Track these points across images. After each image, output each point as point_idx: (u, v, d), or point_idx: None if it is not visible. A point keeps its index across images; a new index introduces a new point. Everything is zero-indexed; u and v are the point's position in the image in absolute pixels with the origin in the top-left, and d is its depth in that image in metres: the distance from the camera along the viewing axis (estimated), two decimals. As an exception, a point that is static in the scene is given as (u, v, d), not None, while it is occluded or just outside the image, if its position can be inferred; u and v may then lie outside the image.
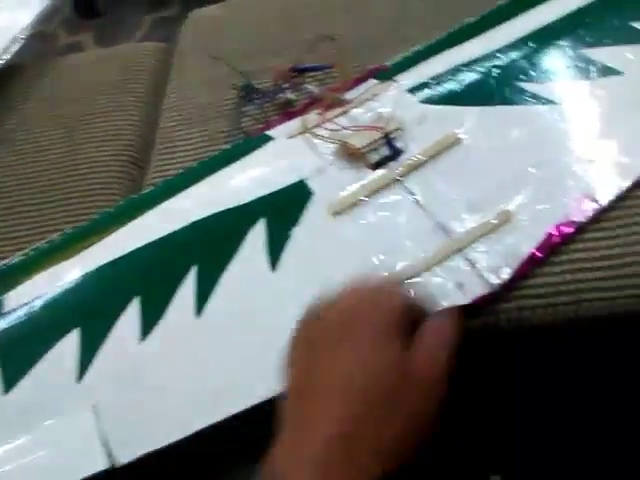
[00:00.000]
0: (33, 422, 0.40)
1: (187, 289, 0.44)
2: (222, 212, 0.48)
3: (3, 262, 0.49)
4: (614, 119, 0.51)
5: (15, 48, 0.76)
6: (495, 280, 0.42)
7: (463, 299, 0.42)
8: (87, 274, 0.46)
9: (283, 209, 0.48)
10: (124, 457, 0.38)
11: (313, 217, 0.48)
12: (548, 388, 0.46)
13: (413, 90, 0.55)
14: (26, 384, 0.42)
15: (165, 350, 0.42)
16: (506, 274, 0.43)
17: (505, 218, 0.45)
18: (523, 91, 0.53)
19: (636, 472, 0.47)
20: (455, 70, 0.55)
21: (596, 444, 0.48)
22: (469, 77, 0.55)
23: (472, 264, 0.43)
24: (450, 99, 0.53)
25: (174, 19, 0.80)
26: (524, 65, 0.55)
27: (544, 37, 0.57)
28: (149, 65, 0.75)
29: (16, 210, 0.59)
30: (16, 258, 0.49)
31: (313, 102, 0.57)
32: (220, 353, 0.42)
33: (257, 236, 0.47)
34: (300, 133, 0.54)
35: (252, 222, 0.47)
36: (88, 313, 0.44)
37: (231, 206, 0.49)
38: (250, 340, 0.43)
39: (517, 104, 0.52)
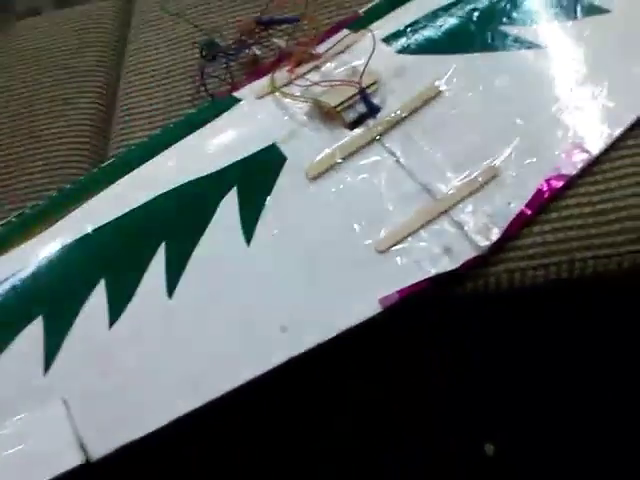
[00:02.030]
0: (0, 418, 0.38)
1: (156, 268, 0.41)
2: (190, 182, 0.45)
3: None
4: (602, 61, 0.48)
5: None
6: (484, 242, 0.40)
7: (451, 264, 0.40)
8: (49, 256, 0.43)
9: (255, 176, 0.45)
10: (99, 451, 0.36)
11: (288, 184, 0.44)
12: (542, 353, 0.44)
13: (389, 39, 0.51)
14: (-10, 379, 0.39)
15: (136, 335, 0.40)
16: (495, 235, 0.40)
17: (492, 174, 0.43)
18: (506, 35, 0.50)
19: (632, 441, 0.47)
20: (432, 16, 0.52)
21: (590, 410, 0.47)
22: (448, 23, 0.51)
23: (460, 226, 0.41)
24: (428, 48, 0.50)
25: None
26: (506, 7, 0.51)
27: (526, -24, 0.53)
28: (108, 26, 0.70)
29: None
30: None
31: (282, 58, 0.53)
32: (195, 335, 0.40)
33: (229, 208, 0.43)
34: (269, 93, 0.50)
35: (223, 192, 0.44)
36: (52, 298, 0.41)
37: (200, 175, 0.45)
38: (227, 320, 0.40)
39: (500, 50, 0.49)
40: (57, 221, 0.45)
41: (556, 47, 0.49)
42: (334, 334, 0.38)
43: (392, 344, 0.45)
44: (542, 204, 0.41)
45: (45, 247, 0.43)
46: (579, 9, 0.51)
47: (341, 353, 0.43)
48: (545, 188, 0.42)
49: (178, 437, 0.39)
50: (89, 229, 0.44)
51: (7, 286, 0.42)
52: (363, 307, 0.39)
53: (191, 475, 0.50)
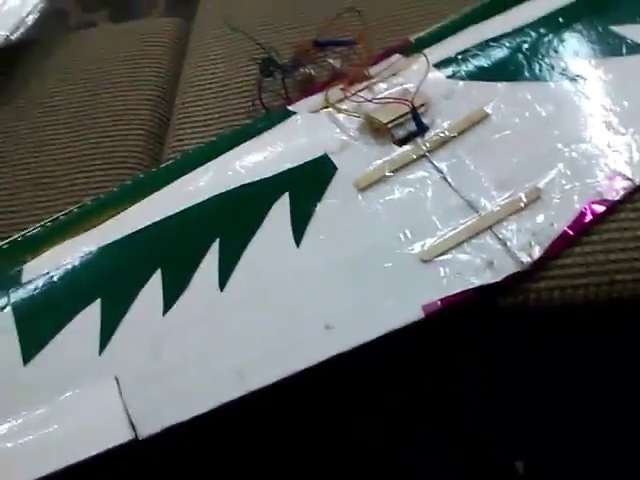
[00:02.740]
0: (53, 393, 0.40)
1: (210, 262, 0.43)
2: (245, 185, 0.47)
3: (22, 233, 0.48)
4: (645, 98, 0.49)
5: (29, 23, 0.75)
6: (526, 258, 0.41)
7: (493, 277, 0.41)
8: (108, 245, 0.45)
9: (307, 184, 0.47)
10: (147, 429, 0.37)
11: (337, 193, 0.47)
12: (576, 371, 0.45)
13: (439, 65, 0.53)
14: (46, 356, 0.41)
15: (187, 323, 0.42)
16: (537, 252, 0.42)
17: (535, 196, 0.44)
18: (552, 67, 0.52)
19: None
20: (482, 45, 0.54)
21: (624, 430, 0.47)
22: (497, 52, 0.54)
23: (502, 242, 0.42)
24: (477, 75, 0.52)
25: (191, -2, 0.79)
26: (553, 41, 0.54)
27: (573, 13, 0.55)
28: (166, 40, 0.74)
29: (34, 182, 0.59)
30: (35, 229, 0.48)
31: (335, 77, 0.56)
32: (243, 328, 0.41)
33: (281, 211, 0.46)
34: (323, 108, 0.53)
35: (276, 196, 0.46)
36: (109, 284, 0.44)
37: (254, 179, 0.48)
38: (273, 316, 0.42)
39: (546, 80, 0.51)
40: (118, 213, 0.47)
41: (600, 81, 0.51)
42: (377, 335, 0.40)
43: (427, 355, 0.47)
44: (584, 227, 0.43)
45: (106, 236, 0.46)
46: (624, 47, 0.53)
47: (377, 360, 0.44)
48: (588, 212, 0.43)
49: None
50: (147, 223, 0.46)
51: (69, 268, 0.44)
52: (406, 312, 0.40)
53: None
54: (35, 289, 0.44)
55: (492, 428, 0.48)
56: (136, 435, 0.37)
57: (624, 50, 0.52)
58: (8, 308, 0.43)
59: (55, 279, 0.44)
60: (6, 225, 0.56)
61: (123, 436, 0.37)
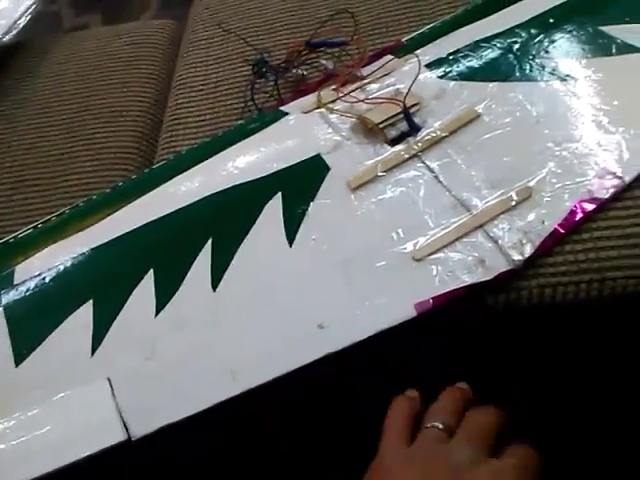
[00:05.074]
0: (46, 395, 0.40)
1: (203, 262, 0.43)
2: (238, 186, 0.47)
3: (13, 234, 0.48)
4: (635, 95, 0.50)
5: (22, 25, 0.75)
6: (517, 257, 0.42)
7: (485, 275, 0.41)
8: (100, 246, 0.45)
9: (300, 184, 0.47)
10: (140, 430, 0.37)
11: (330, 192, 0.47)
12: (569, 369, 0.45)
13: (431, 66, 0.54)
14: (38, 357, 0.41)
15: (180, 324, 0.42)
16: (528, 250, 0.42)
17: (526, 194, 0.45)
18: (542, 67, 0.52)
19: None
20: (474, 46, 0.54)
21: (619, 424, 0.47)
22: (488, 53, 0.54)
23: (494, 241, 0.42)
24: (469, 75, 0.52)
25: (183, 0, 0.79)
26: (543, 41, 0.54)
27: (563, 13, 0.56)
28: (158, 42, 0.74)
29: (27, 184, 0.59)
30: (27, 230, 0.48)
31: (327, 78, 0.56)
32: (236, 327, 0.42)
33: (274, 210, 0.46)
34: (315, 108, 0.53)
35: (268, 196, 0.46)
36: (102, 285, 0.44)
37: (247, 180, 0.48)
38: (265, 316, 0.42)
39: (536, 80, 0.51)
40: (110, 214, 0.47)
41: (590, 80, 0.51)
42: (370, 334, 0.40)
43: (418, 352, 0.47)
44: (575, 225, 0.43)
45: (97, 238, 0.46)
46: (614, 47, 0.53)
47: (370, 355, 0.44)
48: (578, 210, 0.43)
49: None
50: (140, 223, 0.46)
51: (61, 269, 0.44)
52: (398, 311, 0.40)
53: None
54: (27, 290, 0.44)
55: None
56: (129, 436, 0.37)
57: (614, 50, 0.53)
58: (0, 310, 0.43)
59: (47, 280, 0.44)
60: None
61: (116, 437, 0.37)
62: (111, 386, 0.39)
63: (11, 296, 0.44)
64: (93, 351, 0.41)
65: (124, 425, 0.37)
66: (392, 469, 0.35)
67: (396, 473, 0.34)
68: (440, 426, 0.36)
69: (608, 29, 0.54)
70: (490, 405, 0.37)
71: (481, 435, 0.35)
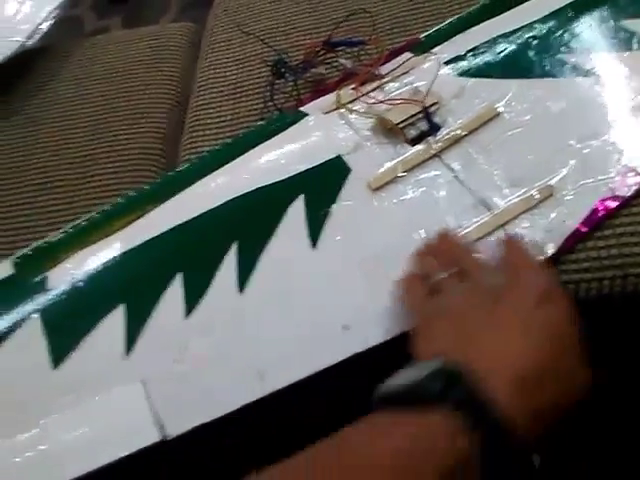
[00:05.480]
0: (82, 396, 0.41)
1: (229, 265, 0.45)
2: (260, 189, 0.48)
3: (44, 239, 0.50)
4: (658, 91, 0.49)
5: (43, 29, 0.76)
6: (540, 255, 0.42)
7: (507, 274, 0.42)
8: (129, 251, 0.46)
9: (321, 186, 0.48)
10: (175, 429, 0.38)
11: (352, 194, 0.47)
12: (591, 365, 0.46)
13: (450, 63, 0.54)
14: (74, 359, 0.43)
15: (208, 326, 0.43)
16: (551, 249, 0.42)
17: (548, 193, 0.45)
18: (563, 63, 0.52)
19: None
20: (493, 42, 0.54)
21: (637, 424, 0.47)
22: (507, 49, 0.54)
23: (516, 240, 0.43)
24: (488, 72, 0.52)
25: (202, 3, 0.80)
26: (564, 36, 0.54)
27: (584, 8, 0.55)
28: (179, 44, 0.74)
29: (49, 186, 0.60)
30: (57, 235, 0.50)
31: (346, 77, 0.56)
32: (262, 329, 0.43)
33: (297, 213, 0.46)
34: (335, 109, 0.53)
35: (291, 198, 0.47)
36: (132, 289, 0.45)
37: (269, 182, 0.49)
38: (291, 318, 0.43)
39: (557, 76, 0.51)
40: (138, 218, 0.48)
41: (612, 76, 0.51)
42: (394, 335, 0.41)
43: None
44: (597, 222, 0.43)
45: (127, 242, 0.47)
46: (635, 41, 0.53)
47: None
48: (600, 208, 0.44)
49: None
50: (167, 228, 0.47)
51: (92, 274, 0.46)
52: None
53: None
54: (61, 295, 0.45)
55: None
56: (165, 435, 0.38)
57: (634, 44, 0.52)
58: (36, 315, 0.44)
59: (80, 285, 0.45)
60: (21, 228, 0.58)
61: (152, 437, 0.38)
62: (145, 387, 0.40)
63: (46, 301, 0.45)
64: (127, 354, 0.42)
65: (159, 425, 0.39)
66: (432, 322, 0.36)
67: (439, 323, 0.36)
68: (446, 275, 0.39)
69: (629, 23, 0.54)
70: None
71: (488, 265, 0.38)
